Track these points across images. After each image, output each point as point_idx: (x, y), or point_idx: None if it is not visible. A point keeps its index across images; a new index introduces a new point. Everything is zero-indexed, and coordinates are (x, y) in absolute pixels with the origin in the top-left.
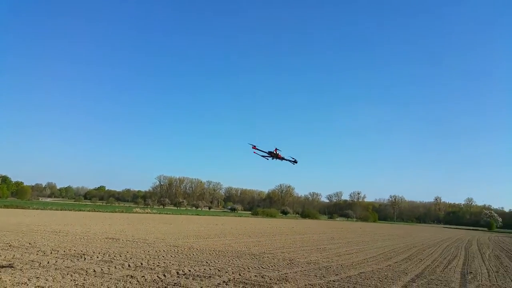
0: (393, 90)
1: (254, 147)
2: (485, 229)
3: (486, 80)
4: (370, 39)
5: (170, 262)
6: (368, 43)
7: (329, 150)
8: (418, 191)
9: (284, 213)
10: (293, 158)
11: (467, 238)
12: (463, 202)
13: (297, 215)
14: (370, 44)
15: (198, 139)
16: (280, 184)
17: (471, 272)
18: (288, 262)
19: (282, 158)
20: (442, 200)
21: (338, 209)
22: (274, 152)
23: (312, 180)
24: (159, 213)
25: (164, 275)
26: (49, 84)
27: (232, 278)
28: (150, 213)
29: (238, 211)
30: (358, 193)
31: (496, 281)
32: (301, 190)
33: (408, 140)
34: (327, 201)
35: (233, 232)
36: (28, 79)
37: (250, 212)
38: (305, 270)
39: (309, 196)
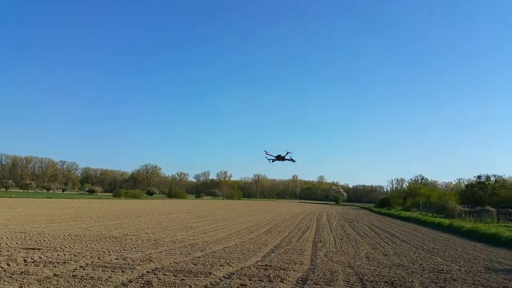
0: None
1: (266, 153)
2: (333, 202)
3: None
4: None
5: (15, 250)
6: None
7: (196, 129)
8: (278, 170)
9: (150, 193)
10: (292, 158)
11: (319, 211)
12: (316, 180)
13: (164, 195)
14: None
15: (49, 112)
16: (146, 164)
17: (321, 241)
18: (153, 242)
19: (284, 159)
20: (299, 178)
21: (205, 188)
22: (283, 155)
23: (179, 160)
24: (1, 197)
25: (8, 264)
26: None
27: (90, 263)
28: None
29: (98, 193)
30: (225, 173)
31: (341, 247)
32: (168, 170)
33: (271, 121)
34: (195, 180)
35: (92, 215)
36: None
37: (111, 194)
38: (171, 249)
39: (176, 176)
